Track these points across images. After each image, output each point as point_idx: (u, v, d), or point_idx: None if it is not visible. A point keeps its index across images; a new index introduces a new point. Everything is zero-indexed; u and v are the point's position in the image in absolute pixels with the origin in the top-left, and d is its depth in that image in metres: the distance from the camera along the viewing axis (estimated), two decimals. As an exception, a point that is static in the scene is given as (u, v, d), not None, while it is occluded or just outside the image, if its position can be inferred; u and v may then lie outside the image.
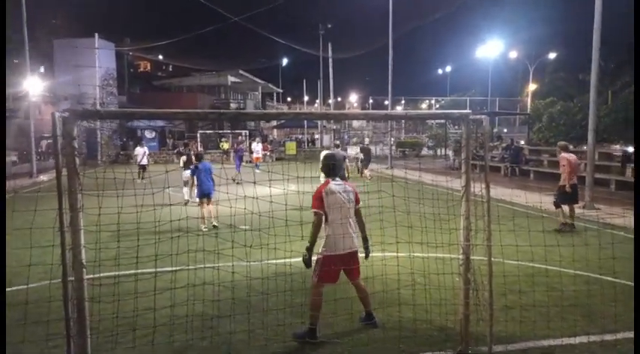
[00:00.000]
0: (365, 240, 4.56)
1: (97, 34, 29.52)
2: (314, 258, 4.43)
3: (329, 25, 37.11)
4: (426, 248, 6.04)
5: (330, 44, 32.21)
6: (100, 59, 30.03)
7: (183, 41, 36.45)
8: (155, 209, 4.46)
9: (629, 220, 10.37)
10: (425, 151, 37.12)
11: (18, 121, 30.28)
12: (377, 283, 5.36)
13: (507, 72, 48.39)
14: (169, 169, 5.28)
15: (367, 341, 4.45)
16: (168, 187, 4.87)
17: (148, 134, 33.20)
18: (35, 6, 21.43)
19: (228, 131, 37.10)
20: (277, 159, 30.36)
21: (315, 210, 4.36)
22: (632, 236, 8.65)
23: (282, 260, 5.85)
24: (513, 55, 41.49)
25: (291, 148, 33.57)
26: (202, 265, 5.54)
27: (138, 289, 4.76)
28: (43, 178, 20.23)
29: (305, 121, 38.51)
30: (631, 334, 4.57)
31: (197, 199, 9.65)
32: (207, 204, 9.45)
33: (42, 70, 34.58)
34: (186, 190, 12.51)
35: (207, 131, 35.58)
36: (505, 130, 44.59)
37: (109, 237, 4.45)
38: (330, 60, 31.95)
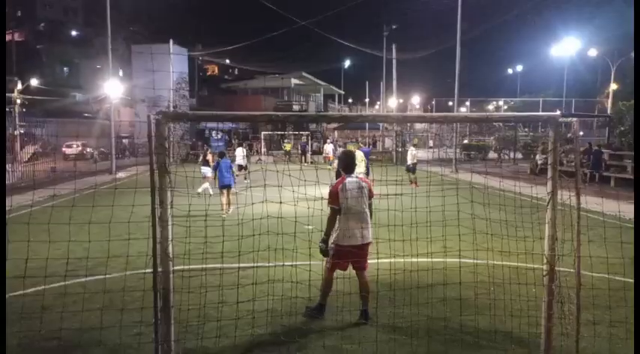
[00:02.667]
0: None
1: (171, 40, 31.19)
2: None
3: (393, 26, 36.73)
4: (505, 256, 5.80)
5: (394, 45, 31.83)
6: (174, 64, 31.72)
7: (249, 45, 37.61)
8: (238, 207, 4.64)
9: None
10: (491, 155, 35.66)
11: (100, 122, 32.73)
12: (452, 290, 5.22)
13: (585, 72, 45.34)
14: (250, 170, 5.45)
15: (445, 349, 4.33)
16: (250, 186, 5.02)
17: (215, 135, 34.60)
18: (113, 13, 22.96)
19: (291, 132, 37.81)
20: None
21: (330, 205, 4.79)
22: None
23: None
24: (592, 53, 38.75)
25: (352, 149, 33.52)
26: (281, 264, 5.64)
27: (222, 282, 4.99)
28: (121, 174, 21.68)
29: (367, 123, 38.36)
30: None
31: (218, 190, 11.34)
32: (227, 194, 10.98)
33: (120, 74, 37.14)
34: (205, 185, 13.88)
35: (271, 132, 36.46)
36: (581, 133, 41.75)
37: (196, 231, 4.68)
38: (394, 61, 31.58)
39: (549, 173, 3.79)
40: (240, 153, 19.00)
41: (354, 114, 5.34)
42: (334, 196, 4.76)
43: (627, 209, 9.94)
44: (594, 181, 18.77)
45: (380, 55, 37.01)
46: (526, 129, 44.00)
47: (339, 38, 32.34)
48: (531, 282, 5.03)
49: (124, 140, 35.28)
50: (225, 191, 11.02)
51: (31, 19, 64.65)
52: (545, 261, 3.86)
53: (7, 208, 4.70)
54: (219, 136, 35.11)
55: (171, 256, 3.51)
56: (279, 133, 35.94)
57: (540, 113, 3.59)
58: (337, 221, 4.76)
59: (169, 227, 3.51)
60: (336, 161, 15.98)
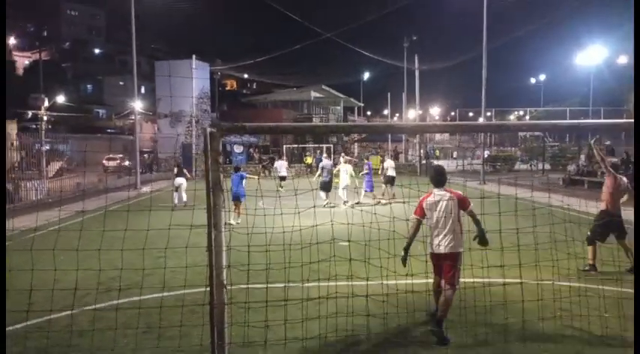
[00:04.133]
0: (480, 230, 4.95)
1: (194, 56, 31.43)
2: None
3: (414, 37, 36.46)
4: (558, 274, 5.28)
5: (416, 56, 31.52)
6: (196, 79, 31.92)
7: (267, 59, 37.75)
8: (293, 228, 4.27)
9: None
10: (518, 166, 34.81)
11: (123, 138, 33.03)
12: (502, 311, 4.73)
13: (612, 80, 44.22)
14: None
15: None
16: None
17: (237, 149, 34.54)
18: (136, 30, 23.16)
19: (311, 146, 37.58)
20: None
21: (414, 216, 5.07)
22: None
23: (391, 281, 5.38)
24: (622, 60, 37.80)
25: (374, 162, 33.08)
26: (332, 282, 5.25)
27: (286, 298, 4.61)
28: (145, 189, 21.64)
29: (389, 135, 37.90)
30: None
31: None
32: (237, 206, 11.29)
33: (142, 90, 37.57)
34: (176, 194, 14.80)
35: (291, 145, 36.28)
36: (608, 142, 40.55)
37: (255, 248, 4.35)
38: (417, 72, 31.22)
39: (631, 186, 3.32)
40: (282, 164, 21.15)
41: (400, 123, 4.96)
42: (419, 209, 5.08)
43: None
44: (633, 195, 17.87)
45: (399, 65, 36.75)
46: (550, 139, 42.99)
47: (358, 50, 32.15)
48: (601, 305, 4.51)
49: (144, 155, 35.45)
50: (236, 203, 11.46)
51: (57, 38, 66.52)
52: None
53: (35, 225, 4.43)
54: (241, 150, 35.04)
55: (227, 287, 3.15)
56: (300, 146, 35.73)
57: (623, 121, 3.15)
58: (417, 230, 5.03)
59: (223, 253, 3.17)
60: (318, 172, 16.00)
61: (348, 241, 4.99)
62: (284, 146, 33.72)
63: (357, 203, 14.66)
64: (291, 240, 4.57)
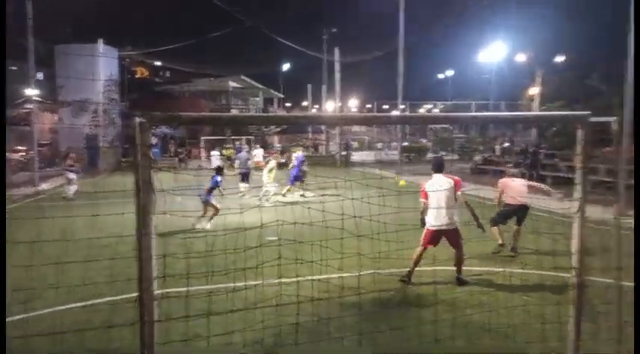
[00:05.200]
0: (475, 217, 6.25)
1: (100, 40, 28.95)
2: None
3: (333, 30, 36.82)
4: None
5: (336, 49, 31.83)
6: (102, 65, 29.46)
7: (183, 46, 35.93)
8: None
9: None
10: (430, 156, 36.78)
11: (15, 128, 29.61)
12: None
13: (511, 77, 48.24)
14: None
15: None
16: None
17: (151, 140, 32.60)
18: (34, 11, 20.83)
19: (231, 137, 36.61)
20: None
21: (421, 199, 6.28)
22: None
23: (323, 275, 5.32)
24: (520, 58, 41.30)
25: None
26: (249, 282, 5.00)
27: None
28: (44, 186, 19.61)
29: (310, 127, 38.04)
30: None
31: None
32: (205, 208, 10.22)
33: (41, 76, 33.94)
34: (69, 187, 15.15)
35: (210, 137, 35.01)
36: (507, 134, 44.37)
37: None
38: (337, 64, 31.56)
39: (577, 179, 3.53)
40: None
41: (348, 115, 4.85)
42: (423, 193, 6.25)
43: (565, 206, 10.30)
44: (533, 180, 19.69)
45: (319, 56, 36.96)
46: (456, 131, 46.03)
47: (277, 40, 31.70)
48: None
49: (42, 148, 32.11)
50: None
51: None
52: (573, 274, 3.60)
53: None
54: (155, 142, 33.10)
55: (155, 303, 2.81)
56: (218, 138, 34.60)
57: (568, 113, 3.31)
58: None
59: (154, 261, 2.81)
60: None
61: (278, 238, 4.79)
62: (202, 138, 32.41)
63: (284, 196, 14.53)
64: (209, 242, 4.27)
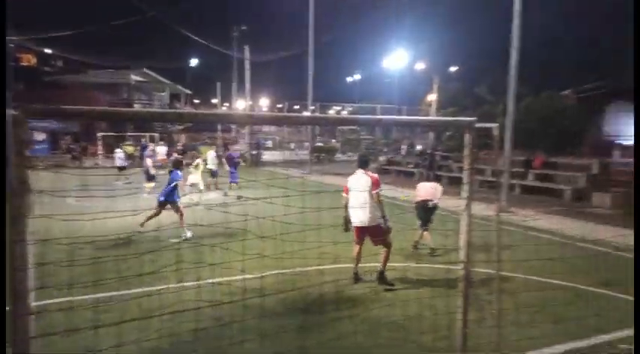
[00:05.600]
0: (382, 217, 6.04)
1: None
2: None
3: (243, 27, 36.29)
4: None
5: (246, 47, 31.39)
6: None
7: (80, 35, 33.05)
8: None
9: (542, 223, 11.29)
10: (339, 156, 37.86)
11: None
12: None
13: (412, 83, 51.34)
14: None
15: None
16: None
17: (38, 136, 29.51)
18: None
19: (132, 134, 34.40)
20: (188, 164, 28.74)
21: (343, 194, 6.29)
22: (556, 239, 9.36)
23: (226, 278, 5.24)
24: (419, 66, 44.12)
25: (205, 152, 31.97)
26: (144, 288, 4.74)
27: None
28: None
29: (219, 125, 37.05)
30: (601, 338, 4.79)
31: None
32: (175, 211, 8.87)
33: None
34: None
35: (108, 133, 32.59)
36: (408, 136, 47.31)
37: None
38: (247, 62, 31.13)
39: (465, 178, 3.83)
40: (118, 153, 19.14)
41: (309, 115, 4.77)
42: (345, 187, 6.29)
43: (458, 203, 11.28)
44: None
45: (229, 54, 36.21)
46: (363, 132, 48.00)
47: (186, 35, 30.42)
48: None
49: None
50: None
51: None
52: (461, 267, 3.90)
53: None
54: (43, 137, 30.02)
55: (32, 317, 2.52)
56: (118, 134, 32.30)
57: (459, 118, 3.60)
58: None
59: (30, 272, 2.52)
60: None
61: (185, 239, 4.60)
62: (99, 134, 30.04)
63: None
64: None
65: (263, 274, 5.11)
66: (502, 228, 9.24)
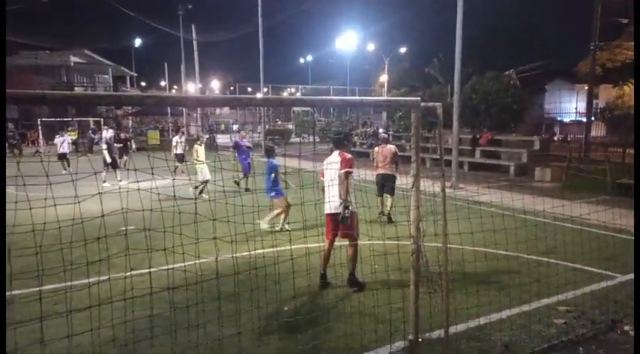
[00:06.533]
0: (343, 204, 5.24)
1: None
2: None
3: (189, 6, 34.97)
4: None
5: (193, 26, 30.33)
6: None
7: (11, 13, 30.66)
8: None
9: (489, 197, 11.85)
10: (293, 139, 37.75)
11: None
12: (303, 278, 5.12)
13: (364, 64, 51.72)
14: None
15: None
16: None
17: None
18: None
19: (76, 119, 32.70)
20: (138, 149, 27.71)
21: (320, 178, 5.83)
22: (501, 212, 9.86)
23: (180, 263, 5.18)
24: (370, 47, 44.45)
25: (153, 137, 30.98)
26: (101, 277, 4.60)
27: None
28: None
29: (169, 108, 35.83)
30: (543, 302, 5.15)
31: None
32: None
33: None
34: None
35: (49, 119, 30.77)
36: (362, 117, 47.86)
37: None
38: (195, 43, 30.15)
39: (413, 157, 3.95)
40: (59, 140, 17.87)
41: (265, 97, 4.66)
42: (322, 171, 5.76)
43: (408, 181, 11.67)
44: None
45: (174, 34, 34.86)
46: (316, 115, 48.03)
47: (128, 13, 28.96)
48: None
49: None
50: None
51: None
52: (411, 241, 4.05)
53: None
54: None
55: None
56: (60, 119, 30.57)
57: (404, 98, 3.69)
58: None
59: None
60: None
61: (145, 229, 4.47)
62: (39, 120, 28.31)
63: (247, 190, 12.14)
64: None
65: (217, 258, 5.08)
66: (451, 203, 9.65)
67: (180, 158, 15.67)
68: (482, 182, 14.55)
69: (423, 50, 39.15)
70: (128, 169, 11.00)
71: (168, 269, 4.11)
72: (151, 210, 3.57)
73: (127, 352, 3.98)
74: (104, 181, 13.44)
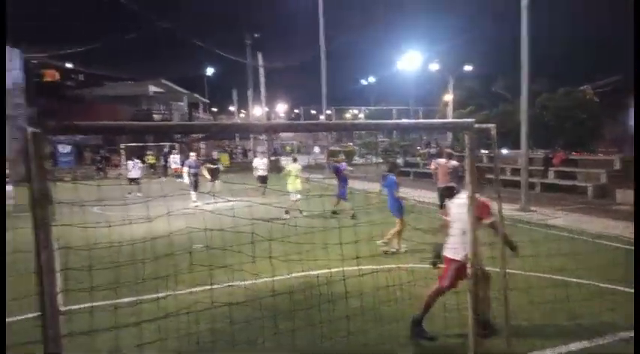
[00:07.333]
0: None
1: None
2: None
3: (256, 35, 36.75)
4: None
5: (259, 54, 31.79)
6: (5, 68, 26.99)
7: (97, 49, 34.02)
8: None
9: (562, 221, 11.15)
10: (356, 160, 37.91)
11: None
12: (356, 300, 5.13)
13: (427, 83, 51.12)
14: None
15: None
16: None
17: (62, 149, 30.41)
18: None
19: (153, 144, 35.17)
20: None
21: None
22: (574, 236, 9.25)
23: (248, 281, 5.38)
24: (433, 67, 43.91)
25: (224, 159, 32.54)
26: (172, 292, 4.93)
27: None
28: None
29: (236, 134, 37.56)
30: (619, 335, 4.77)
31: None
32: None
33: None
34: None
35: (130, 144, 33.36)
36: (425, 137, 47.07)
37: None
38: (262, 69, 31.52)
39: (467, 178, 3.90)
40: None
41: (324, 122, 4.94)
42: (445, 211, 5.03)
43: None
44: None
45: (243, 61, 36.67)
46: (381, 135, 47.86)
47: (201, 44, 31.01)
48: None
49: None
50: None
51: None
52: (469, 265, 3.97)
53: None
54: (68, 150, 30.93)
55: (62, 318, 2.71)
56: (140, 144, 33.03)
57: (457, 120, 3.66)
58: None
59: (57, 275, 2.72)
60: (185, 174, 14.81)
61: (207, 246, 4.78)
62: (121, 145, 30.77)
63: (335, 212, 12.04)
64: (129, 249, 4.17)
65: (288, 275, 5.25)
66: (520, 226, 9.28)
67: (263, 180, 15.87)
68: (557, 204, 13.75)
69: (489, 68, 38.08)
70: (214, 195, 11.25)
71: (244, 285, 4.32)
72: (221, 229, 3.81)
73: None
74: (194, 201, 13.84)
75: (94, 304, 4.83)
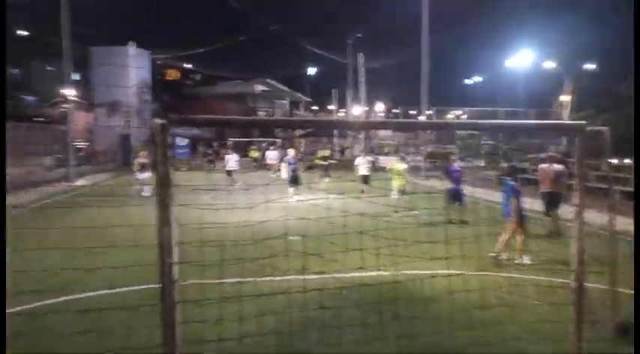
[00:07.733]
0: None
1: (133, 43, 30.04)
2: None
3: (358, 35, 37.06)
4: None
5: (360, 54, 32.05)
6: (135, 68, 30.53)
7: (212, 49, 36.81)
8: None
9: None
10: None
11: (52, 127, 30.98)
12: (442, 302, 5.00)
13: (540, 83, 47.38)
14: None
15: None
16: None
17: (180, 141, 33.46)
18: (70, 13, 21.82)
19: (257, 139, 37.22)
20: (308, 167, 29.92)
21: None
22: None
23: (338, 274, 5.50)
24: (547, 65, 40.60)
25: (321, 157, 33.27)
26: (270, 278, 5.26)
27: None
28: (81, 182, 20.56)
29: (335, 130, 38.31)
30: None
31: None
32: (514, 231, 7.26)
33: (77, 77, 35.34)
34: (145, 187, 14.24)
35: (237, 139, 35.72)
36: (537, 141, 43.59)
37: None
38: (362, 69, 31.75)
39: (575, 185, 3.64)
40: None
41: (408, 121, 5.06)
42: None
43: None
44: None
45: (344, 61, 37.23)
46: (484, 137, 45.30)
47: (304, 44, 32.19)
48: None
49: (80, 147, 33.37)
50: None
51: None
52: (574, 277, 3.70)
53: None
54: (185, 142, 34.00)
55: (175, 287, 3.09)
56: (246, 139, 35.29)
57: (565, 122, 3.44)
58: None
59: (174, 249, 3.10)
60: (283, 168, 15.31)
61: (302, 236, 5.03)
62: (229, 139, 33.07)
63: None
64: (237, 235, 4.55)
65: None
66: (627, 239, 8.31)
67: (365, 179, 15.63)
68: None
69: (612, 67, 34.26)
70: (325, 190, 11.18)
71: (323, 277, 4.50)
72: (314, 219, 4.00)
73: (283, 339, 4.47)
74: (295, 195, 13.98)
75: (203, 281, 5.33)
